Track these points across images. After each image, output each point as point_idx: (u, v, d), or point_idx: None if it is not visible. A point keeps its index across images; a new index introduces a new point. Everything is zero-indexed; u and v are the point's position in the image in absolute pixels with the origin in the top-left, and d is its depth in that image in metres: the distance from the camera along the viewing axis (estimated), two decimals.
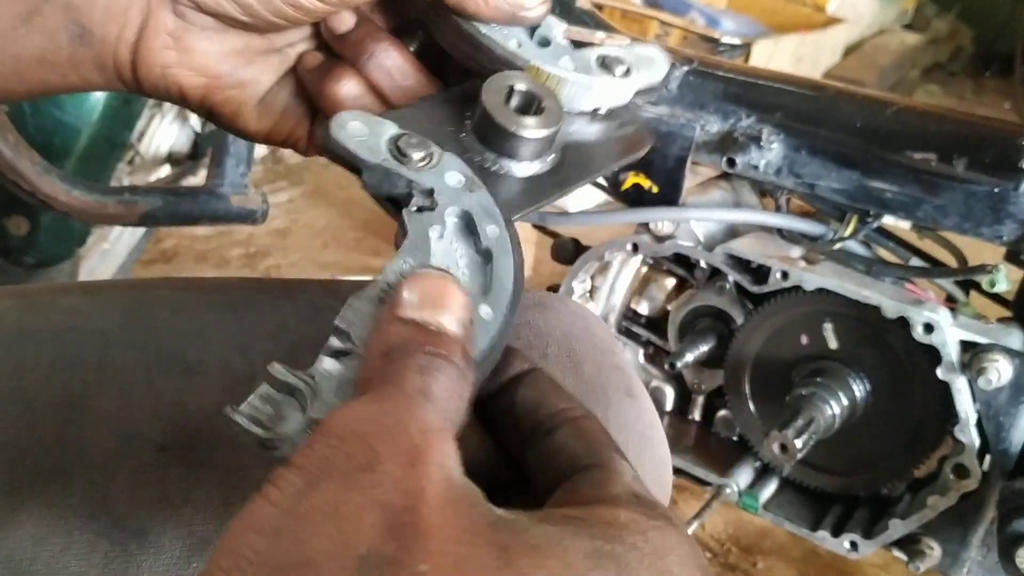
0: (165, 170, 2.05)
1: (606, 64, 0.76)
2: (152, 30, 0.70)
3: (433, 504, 0.41)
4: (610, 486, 0.50)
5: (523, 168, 0.67)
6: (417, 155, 0.62)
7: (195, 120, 2.06)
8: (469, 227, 0.61)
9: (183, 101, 0.77)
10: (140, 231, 2.09)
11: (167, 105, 2.00)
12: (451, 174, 0.63)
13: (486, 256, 0.60)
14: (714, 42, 3.19)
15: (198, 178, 2.01)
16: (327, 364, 0.53)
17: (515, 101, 0.67)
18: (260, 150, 3.74)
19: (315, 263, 3.16)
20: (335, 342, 0.54)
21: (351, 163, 0.62)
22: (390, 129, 0.63)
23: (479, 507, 0.43)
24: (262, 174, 3.72)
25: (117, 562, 0.66)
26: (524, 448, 0.55)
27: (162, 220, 1.36)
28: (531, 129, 0.65)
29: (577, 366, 0.85)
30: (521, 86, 0.67)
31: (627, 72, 0.77)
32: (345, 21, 0.75)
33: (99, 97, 1.57)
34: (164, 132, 2.02)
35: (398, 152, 0.62)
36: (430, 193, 0.61)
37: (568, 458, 0.52)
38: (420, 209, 0.61)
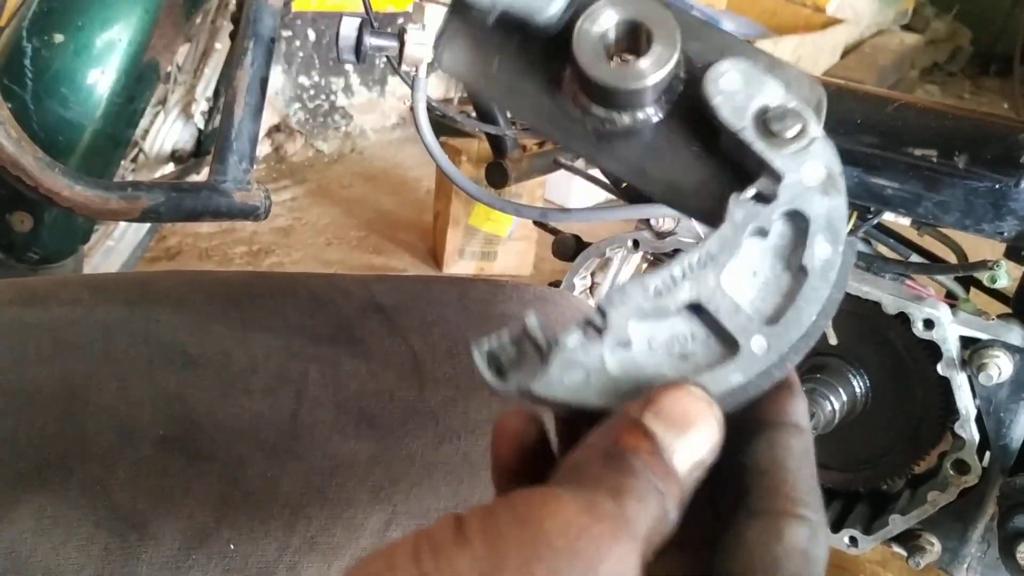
0: (169, 168, 2.05)
1: None
2: None
3: None
4: None
5: (654, 112, 0.56)
6: (788, 132, 0.51)
7: (199, 118, 2.06)
8: (798, 235, 0.51)
9: None
10: (144, 228, 2.09)
11: (171, 103, 2.00)
12: (812, 165, 0.51)
13: (799, 275, 0.51)
14: None
15: (202, 176, 2.01)
16: (572, 339, 0.49)
17: (616, 40, 0.55)
18: (263, 148, 3.74)
19: (318, 261, 3.16)
20: (592, 317, 0.50)
21: (711, 120, 0.54)
22: (770, 93, 0.52)
23: None
24: (265, 172, 3.72)
25: (116, 554, 0.66)
26: (719, 507, 0.49)
27: (165, 216, 1.36)
28: (650, 75, 0.53)
29: None
30: (611, 20, 0.54)
31: None
32: None
33: (103, 94, 1.57)
34: (168, 130, 2.02)
35: (763, 124, 0.52)
36: (776, 180, 0.51)
37: (743, 568, 0.44)
38: (755, 197, 0.52)
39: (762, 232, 0.51)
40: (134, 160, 1.95)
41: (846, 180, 1.35)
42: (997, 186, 1.18)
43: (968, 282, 1.36)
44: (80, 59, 1.52)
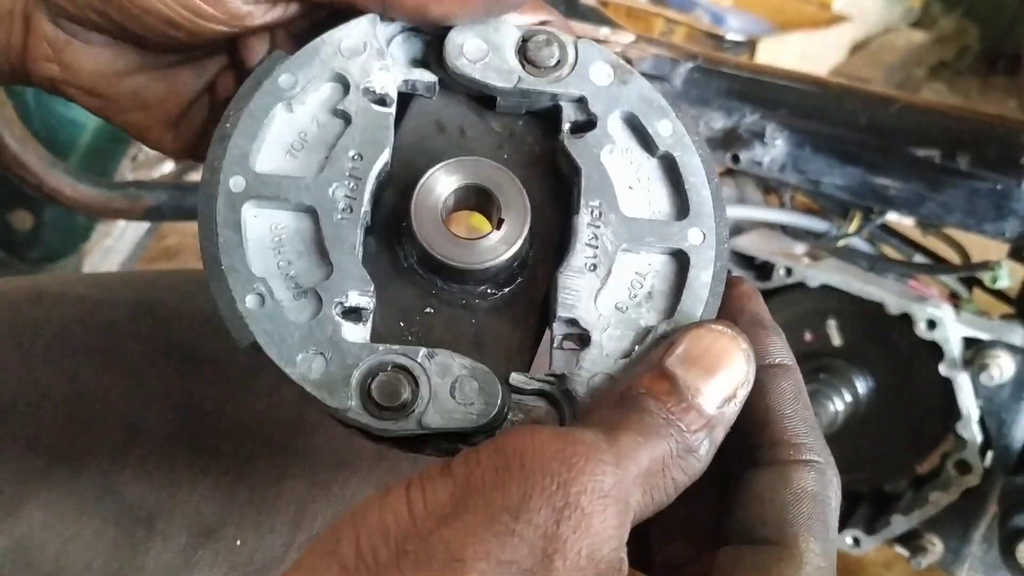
0: (168, 166, 2.05)
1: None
2: (34, 38, 0.61)
3: None
4: None
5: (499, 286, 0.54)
6: (551, 59, 0.52)
7: None
8: (638, 132, 0.53)
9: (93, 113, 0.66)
10: (143, 228, 2.09)
11: None
12: (596, 68, 0.53)
13: (667, 163, 0.53)
14: (719, 39, 3.19)
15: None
16: (559, 360, 0.50)
17: (456, 204, 0.53)
18: None
19: None
20: (560, 329, 0.50)
21: (482, 92, 0.54)
22: (510, 35, 0.53)
23: None
24: None
25: (124, 549, 0.67)
26: (728, 458, 0.49)
27: (167, 215, 1.36)
28: (495, 256, 0.50)
29: None
30: (451, 185, 0.51)
31: None
32: (255, 51, 0.62)
33: None
34: None
35: (531, 65, 0.53)
36: (582, 102, 0.53)
37: (754, 517, 0.46)
38: (577, 129, 0.53)
39: (610, 149, 0.53)
40: (134, 159, 1.96)
41: (850, 179, 1.34)
42: (999, 186, 1.18)
43: (971, 282, 1.36)
44: None
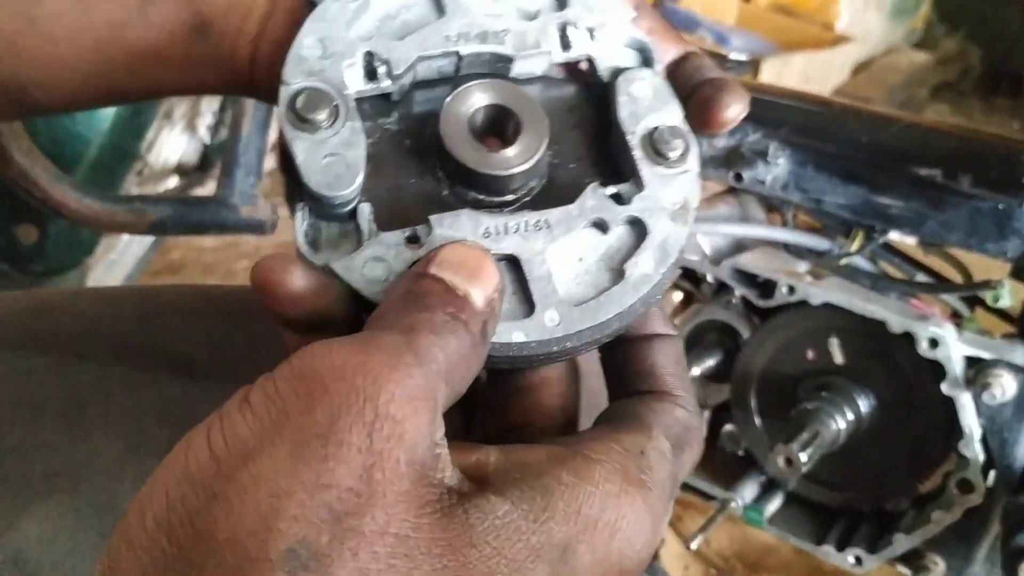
0: (173, 181, 2.06)
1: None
2: (276, 22, 0.59)
3: (380, 494, 0.38)
4: (620, 436, 0.47)
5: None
6: (671, 153, 0.55)
7: (204, 131, 2.06)
8: (635, 245, 0.54)
9: None
10: (147, 242, 2.10)
11: (177, 116, 2.00)
12: (675, 190, 0.55)
13: (616, 278, 0.54)
14: (722, 59, 3.21)
15: (206, 189, 2.01)
16: (391, 238, 0.51)
17: (482, 124, 0.55)
18: (270, 162, 3.75)
19: None
20: (419, 229, 0.51)
21: (610, 115, 0.57)
22: (670, 114, 0.56)
23: (433, 489, 0.40)
24: (271, 187, 3.72)
25: None
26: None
27: (171, 229, 1.37)
28: (512, 166, 0.53)
29: (582, 377, 0.85)
30: (482, 101, 0.54)
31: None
32: None
33: (109, 108, 1.58)
34: (173, 143, 2.02)
35: (651, 137, 0.55)
36: (638, 189, 0.54)
37: (617, 411, 0.51)
38: (613, 196, 0.54)
39: (603, 227, 0.54)
40: (139, 173, 1.96)
41: (852, 198, 1.34)
42: (1001, 206, 1.19)
43: (973, 301, 1.36)
44: None
